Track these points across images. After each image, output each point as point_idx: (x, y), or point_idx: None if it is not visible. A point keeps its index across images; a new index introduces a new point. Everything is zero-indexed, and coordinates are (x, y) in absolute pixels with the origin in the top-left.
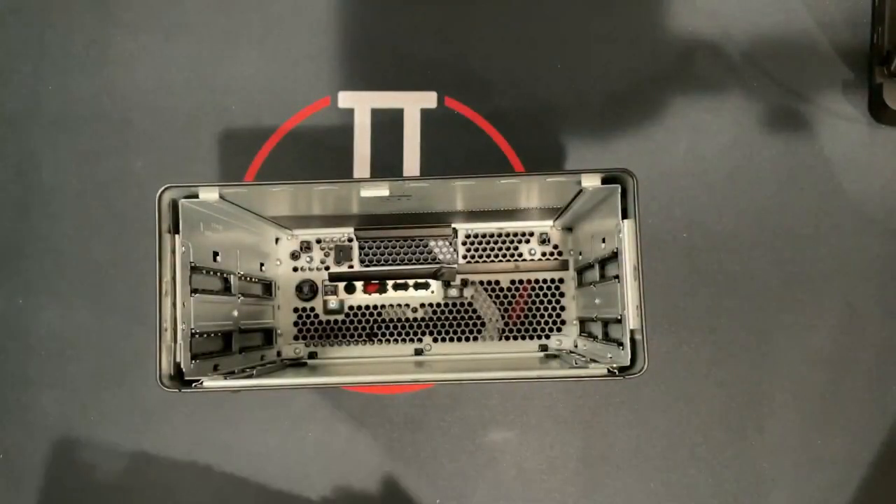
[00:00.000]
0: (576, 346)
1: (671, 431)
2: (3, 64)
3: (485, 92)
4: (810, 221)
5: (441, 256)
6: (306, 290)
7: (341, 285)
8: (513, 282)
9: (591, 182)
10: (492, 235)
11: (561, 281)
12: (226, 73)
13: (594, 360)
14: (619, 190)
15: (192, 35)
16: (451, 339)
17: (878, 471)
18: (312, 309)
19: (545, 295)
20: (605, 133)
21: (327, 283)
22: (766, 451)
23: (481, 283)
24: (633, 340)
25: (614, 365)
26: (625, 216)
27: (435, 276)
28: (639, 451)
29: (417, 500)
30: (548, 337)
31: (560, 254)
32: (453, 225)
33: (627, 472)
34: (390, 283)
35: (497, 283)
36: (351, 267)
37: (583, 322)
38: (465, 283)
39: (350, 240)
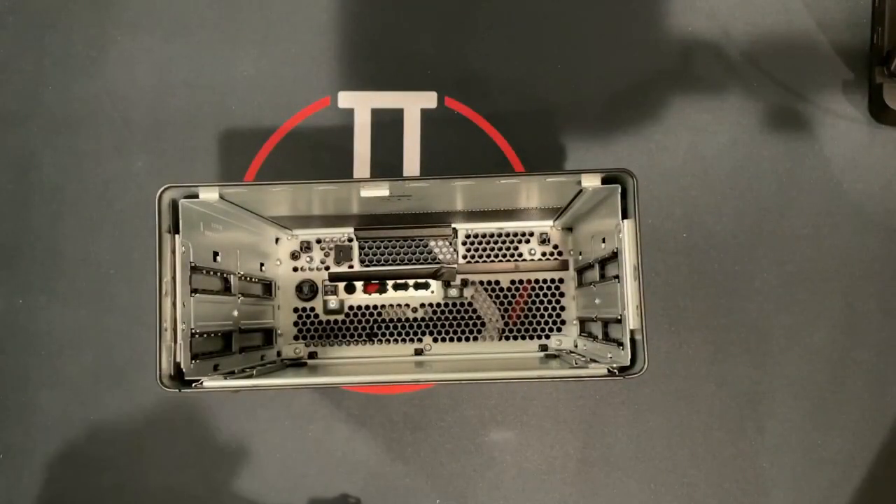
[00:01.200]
0: (576, 346)
1: (671, 431)
2: (3, 64)
3: (485, 92)
4: (810, 221)
5: (441, 256)
6: (306, 290)
7: (341, 285)
8: (513, 282)
9: (591, 182)
10: (492, 235)
11: (561, 281)
12: (226, 73)
13: (594, 360)
14: (619, 190)
15: (192, 35)
16: (451, 339)
17: (878, 471)
18: (312, 309)
19: (545, 295)
20: (605, 133)
21: (327, 283)
22: (766, 451)
23: (481, 283)
24: (633, 340)
25: (614, 365)
26: (625, 216)
27: (435, 276)
28: (639, 451)
29: (417, 500)
30: (548, 337)
31: (560, 254)
32: (453, 225)
33: (627, 473)
34: (390, 283)
35: (497, 283)
36: (351, 267)
37: (583, 322)
38: (465, 283)
39: (350, 240)
